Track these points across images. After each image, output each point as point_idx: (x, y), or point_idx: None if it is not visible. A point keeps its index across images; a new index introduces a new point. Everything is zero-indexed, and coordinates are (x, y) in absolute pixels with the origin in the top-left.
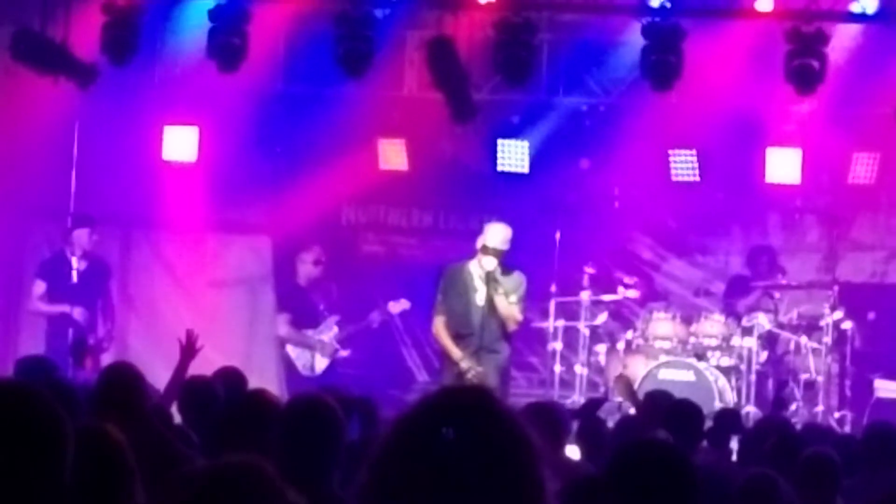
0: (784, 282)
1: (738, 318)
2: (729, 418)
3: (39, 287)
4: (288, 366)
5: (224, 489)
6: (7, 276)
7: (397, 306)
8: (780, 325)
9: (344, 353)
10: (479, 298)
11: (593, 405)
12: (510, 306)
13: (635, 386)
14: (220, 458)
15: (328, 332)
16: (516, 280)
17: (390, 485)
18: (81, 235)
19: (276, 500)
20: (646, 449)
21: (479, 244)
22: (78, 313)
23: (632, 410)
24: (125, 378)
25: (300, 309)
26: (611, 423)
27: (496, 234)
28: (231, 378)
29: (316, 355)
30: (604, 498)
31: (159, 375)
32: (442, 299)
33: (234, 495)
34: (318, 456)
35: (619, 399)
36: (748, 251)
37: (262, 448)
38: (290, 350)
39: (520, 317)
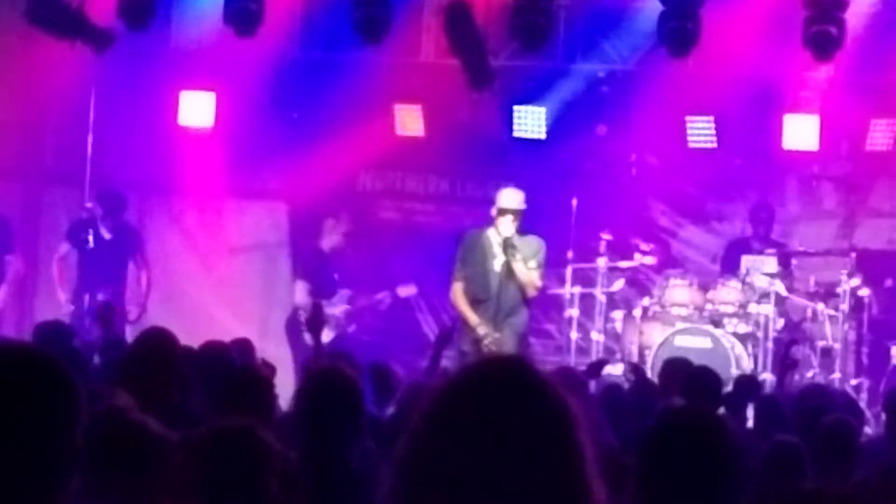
0: (801, 248)
1: (741, 277)
2: (748, 385)
3: (63, 248)
4: (295, 332)
5: (222, 450)
6: (23, 239)
7: (405, 290)
8: (791, 279)
9: (349, 329)
10: (498, 264)
11: (600, 365)
12: (529, 272)
13: (650, 352)
14: (218, 422)
15: (340, 306)
16: (535, 245)
17: (430, 458)
18: (105, 209)
19: (270, 460)
20: (688, 419)
21: (494, 211)
22: (62, 296)
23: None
24: (163, 345)
25: (319, 278)
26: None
27: (510, 196)
28: (242, 349)
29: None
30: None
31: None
32: (460, 266)
33: (230, 455)
34: (337, 428)
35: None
36: (748, 210)
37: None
38: (304, 318)
39: (539, 283)
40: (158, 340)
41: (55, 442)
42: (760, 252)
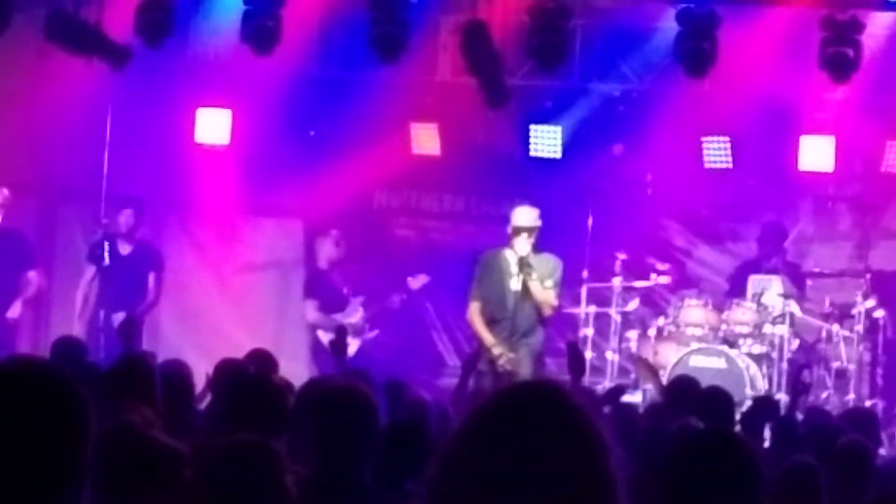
0: (816, 269)
1: (753, 298)
2: (765, 406)
3: (89, 272)
4: (319, 349)
5: (235, 463)
6: (39, 256)
7: (416, 282)
8: (811, 313)
9: (372, 334)
10: (514, 284)
11: (618, 392)
12: (545, 291)
13: (665, 372)
14: (232, 437)
15: (355, 315)
16: (551, 264)
17: (462, 480)
18: (122, 217)
19: (277, 477)
20: (713, 440)
21: (509, 230)
22: (77, 326)
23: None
24: (140, 368)
25: (325, 294)
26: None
27: (524, 214)
28: (262, 360)
29: (347, 339)
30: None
31: (190, 358)
32: (477, 285)
33: (241, 469)
34: (351, 447)
35: (645, 385)
36: (759, 230)
37: (272, 430)
38: (322, 335)
39: (555, 302)
40: (136, 359)
41: (65, 457)
42: (770, 272)
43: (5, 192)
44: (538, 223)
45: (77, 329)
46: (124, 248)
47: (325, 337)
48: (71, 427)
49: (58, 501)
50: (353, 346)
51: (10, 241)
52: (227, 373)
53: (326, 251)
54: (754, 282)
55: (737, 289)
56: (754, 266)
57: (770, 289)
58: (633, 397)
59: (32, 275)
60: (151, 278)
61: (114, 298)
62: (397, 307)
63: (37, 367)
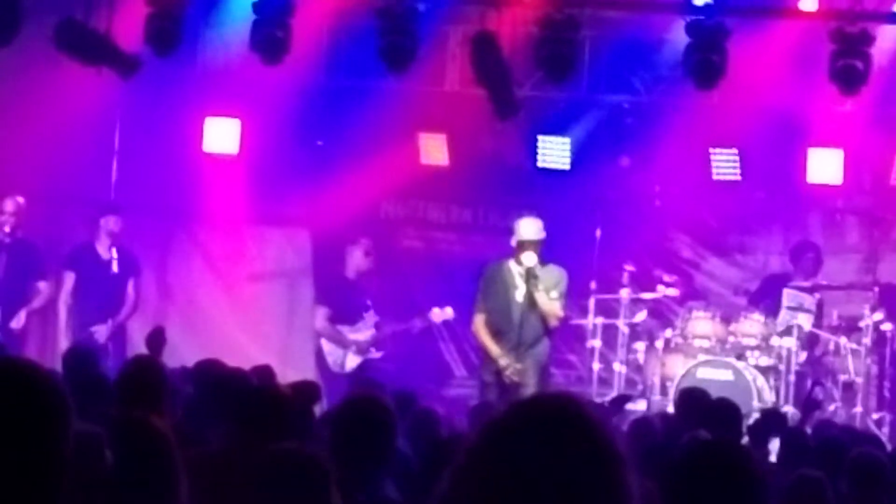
0: (824, 282)
1: (775, 315)
2: (773, 418)
3: (68, 281)
4: (320, 359)
5: (281, 475)
6: (49, 266)
7: (441, 315)
8: (820, 326)
9: (376, 355)
10: (519, 295)
11: (622, 401)
12: (551, 302)
13: (672, 383)
14: (282, 447)
15: (365, 332)
16: (557, 275)
17: (477, 493)
18: (108, 222)
19: (327, 489)
20: (714, 451)
21: (514, 242)
22: (64, 342)
23: (669, 408)
24: (148, 372)
25: (340, 304)
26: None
27: (528, 228)
28: (263, 376)
29: (348, 354)
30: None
31: None
32: (482, 297)
33: (290, 479)
34: (371, 457)
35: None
36: (792, 247)
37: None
38: (324, 344)
39: (561, 313)
40: (143, 369)
41: (45, 453)
42: (803, 289)
43: (19, 200)
44: (542, 235)
45: (64, 344)
46: (106, 255)
47: (327, 346)
48: (50, 424)
49: (39, 499)
50: (352, 362)
51: (21, 250)
52: (210, 377)
53: (356, 261)
54: (790, 295)
55: (768, 299)
56: (786, 281)
57: (805, 304)
58: (637, 406)
59: (42, 285)
60: (130, 285)
61: (97, 307)
62: (416, 333)
63: (13, 366)
